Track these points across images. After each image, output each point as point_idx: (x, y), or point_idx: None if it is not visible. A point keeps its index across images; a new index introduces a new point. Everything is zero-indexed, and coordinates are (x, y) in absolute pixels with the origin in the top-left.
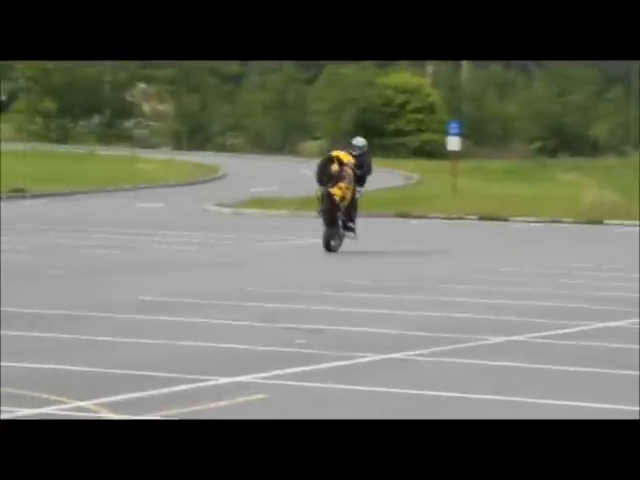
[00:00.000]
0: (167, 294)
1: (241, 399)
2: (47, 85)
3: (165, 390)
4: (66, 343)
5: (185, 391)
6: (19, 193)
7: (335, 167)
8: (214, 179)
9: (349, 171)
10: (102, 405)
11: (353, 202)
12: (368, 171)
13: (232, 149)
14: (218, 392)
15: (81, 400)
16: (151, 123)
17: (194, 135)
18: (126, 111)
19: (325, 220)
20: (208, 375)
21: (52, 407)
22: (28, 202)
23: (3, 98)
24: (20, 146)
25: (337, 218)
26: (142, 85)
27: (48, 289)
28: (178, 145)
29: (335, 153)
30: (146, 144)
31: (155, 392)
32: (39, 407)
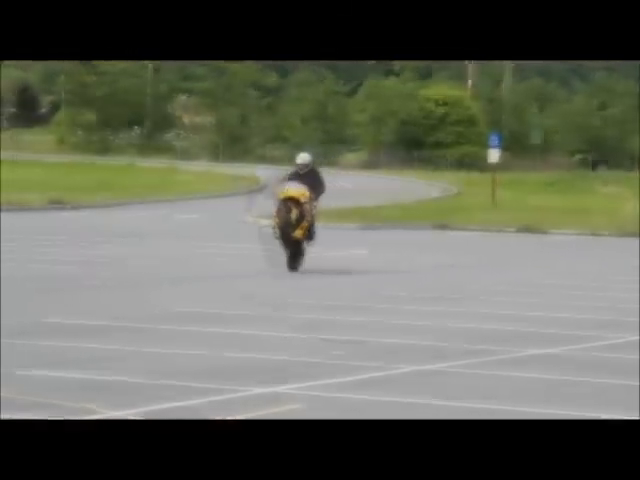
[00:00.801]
0: (204, 305)
1: (275, 409)
2: (87, 97)
3: (202, 400)
4: (107, 353)
5: (221, 401)
6: (59, 204)
7: (295, 214)
8: (254, 190)
9: (308, 207)
10: (140, 415)
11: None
12: (321, 190)
13: (272, 161)
14: (253, 402)
15: (118, 410)
16: (190, 135)
17: (233, 147)
18: (166, 123)
19: (286, 247)
20: (244, 386)
21: (89, 416)
22: (68, 213)
23: (44, 110)
24: (60, 158)
25: (302, 247)
26: (182, 97)
27: (89, 300)
28: (217, 157)
29: (288, 194)
30: (185, 155)
31: (192, 402)
32: (84, 416)
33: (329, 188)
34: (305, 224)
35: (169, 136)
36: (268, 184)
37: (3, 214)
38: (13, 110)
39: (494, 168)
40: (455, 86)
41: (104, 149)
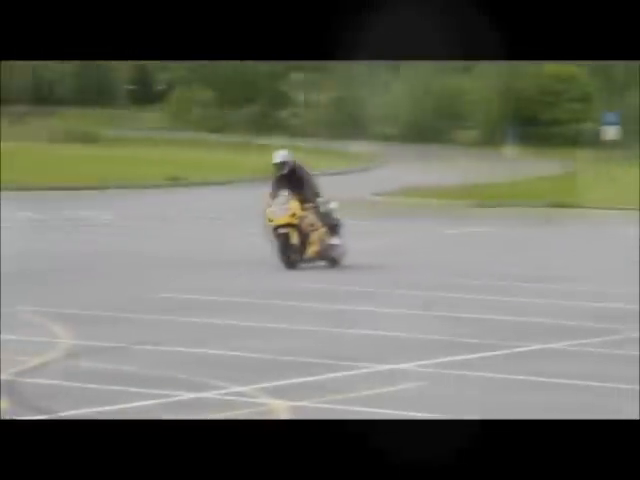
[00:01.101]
0: (328, 282)
1: (398, 387)
2: (205, 75)
3: (322, 377)
4: (231, 330)
5: (341, 377)
6: (175, 181)
7: (295, 239)
8: (368, 168)
9: (306, 221)
10: (261, 390)
11: (329, 220)
12: (310, 186)
13: (386, 138)
14: (376, 379)
15: (242, 385)
16: (305, 112)
17: (348, 124)
18: (281, 101)
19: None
20: (367, 362)
21: (212, 392)
22: (184, 190)
23: (160, 88)
24: (176, 135)
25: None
26: (298, 74)
27: (208, 277)
28: (332, 134)
29: (275, 222)
30: (300, 133)
31: (312, 379)
32: (200, 391)
33: (445, 166)
34: (315, 237)
35: (284, 114)
36: (383, 162)
37: (122, 191)
38: (130, 87)
39: (610, 145)
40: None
41: (219, 127)
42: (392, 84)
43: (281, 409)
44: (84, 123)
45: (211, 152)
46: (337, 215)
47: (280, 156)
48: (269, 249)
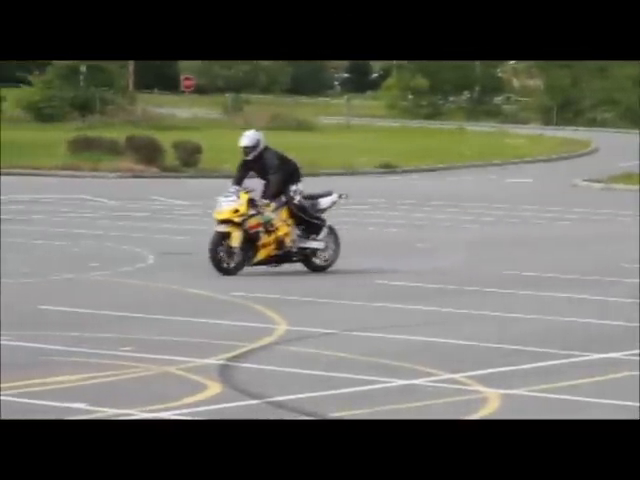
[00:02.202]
0: (535, 269)
1: (610, 376)
2: (419, 62)
3: (532, 365)
4: (438, 317)
5: (553, 366)
6: (389, 169)
7: (237, 240)
8: (584, 154)
9: (254, 221)
10: (472, 378)
11: (292, 215)
12: (278, 178)
13: (603, 124)
14: (589, 368)
15: (453, 373)
16: (520, 98)
17: (564, 110)
18: (496, 87)
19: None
20: (580, 351)
21: (423, 379)
22: (398, 178)
23: (375, 76)
24: (391, 122)
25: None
26: (511, 61)
27: (424, 262)
28: (547, 120)
29: (218, 215)
30: (515, 119)
31: (524, 367)
32: (412, 379)
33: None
34: (270, 238)
35: (499, 100)
36: (599, 148)
37: (335, 178)
38: (346, 76)
39: None
40: None
41: (434, 114)
42: (610, 69)
43: (493, 397)
44: (299, 111)
45: (425, 139)
46: (324, 213)
47: (246, 138)
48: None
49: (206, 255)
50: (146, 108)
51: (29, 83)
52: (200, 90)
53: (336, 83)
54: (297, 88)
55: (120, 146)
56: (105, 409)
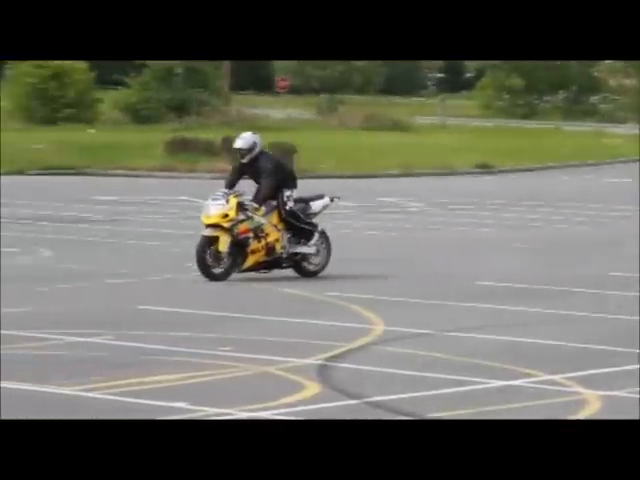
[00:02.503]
0: (626, 269)
1: None
2: (514, 62)
3: (633, 366)
4: (538, 317)
5: None
6: (485, 169)
7: (224, 244)
8: None
9: (244, 226)
10: (572, 379)
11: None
12: (270, 182)
13: None
14: None
15: (552, 374)
16: (617, 98)
17: None
18: (592, 86)
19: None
20: None
21: (522, 380)
22: (494, 178)
23: (470, 75)
24: (486, 122)
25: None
26: (608, 61)
27: (514, 262)
28: None
29: (206, 220)
30: (612, 119)
31: (627, 368)
32: (510, 379)
33: None
34: (260, 244)
35: (595, 99)
36: None
37: (431, 178)
38: (440, 75)
39: None
40: None
41: (529, 113)
42: None
43: (593, 399)
44: (393, 111)
45: (521, 139)
46: (316, 218)
47: (241, 141)
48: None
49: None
50: (241, 109)
51: (126, 85)
52: (294, 91)
53: (430, 83)
54: (391, 88)
55: (216, 147)
56: (206, 408)
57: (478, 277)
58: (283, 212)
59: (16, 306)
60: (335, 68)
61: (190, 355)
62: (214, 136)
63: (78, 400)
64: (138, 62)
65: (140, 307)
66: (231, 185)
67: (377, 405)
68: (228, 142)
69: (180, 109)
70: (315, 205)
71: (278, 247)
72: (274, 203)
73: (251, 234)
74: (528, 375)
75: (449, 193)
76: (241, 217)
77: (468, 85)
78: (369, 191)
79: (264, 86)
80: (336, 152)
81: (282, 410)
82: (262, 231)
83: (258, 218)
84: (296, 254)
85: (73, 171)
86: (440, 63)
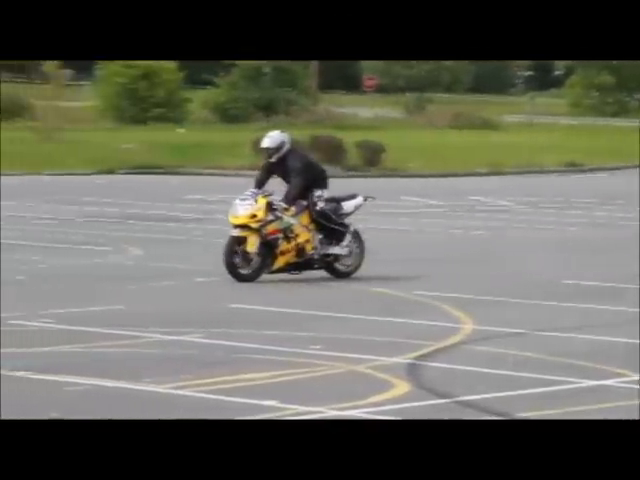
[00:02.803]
0: None
1: None
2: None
3: None
4: (625, 317)
5: None
6: (576, 167)
7: (253, 245)
8: None
9: (273, 226)
10: None
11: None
12: (299, 182)
13: None
14: None
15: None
16: None
17: None
18: None
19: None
20: None
21: (613, 380)
22: (583, 176)
23: (559, 73)
24: (575, 120)
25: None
26: None
27: (602, 262)
28: None
29: (234, 220)
30: None
31: None
32: (601, 379)
33: None
34: (290, 245)
35: None
36: None
37: (519, 177)
38: (529, 73)
39: None
40: None
41: (619, 111)
42: None
43: None
44: (481, 110)
45: (610, 137)
46: (349, 218)
47: (268, 140)
48: None
49: (387, 255)
50: (328, 108)
51: (215, 85)
52: (382, 90)
53: (519, 81)
54: (479, 87)
55: (304, 146)
56: (295, 406)
57: (564, 276)
58: (313, 212)
59: (109, 304)
60: (422, 67)
61: (280, 354)
62: (302, 135)
63: (169, 398)
64: (227, 62)
65: (231, 306)
66: (260, 184)
67: (467, 404)
68: (317, 141)
69: (268, 108)
70: (347, 205)
71: (309, 248)
72: (304, 203)
73: (280, 235)
74: (619, 375)
75: (538, 191)
76: (270, 217)
77: (557, 83)
78: (457, 190)
79: (351, 85)
80: (424, 151)
81: (371, 409)
82: (292, 232)
83: (287, 218)
84: (328, 255)
85: (162, 170)
86: (528, 61)
